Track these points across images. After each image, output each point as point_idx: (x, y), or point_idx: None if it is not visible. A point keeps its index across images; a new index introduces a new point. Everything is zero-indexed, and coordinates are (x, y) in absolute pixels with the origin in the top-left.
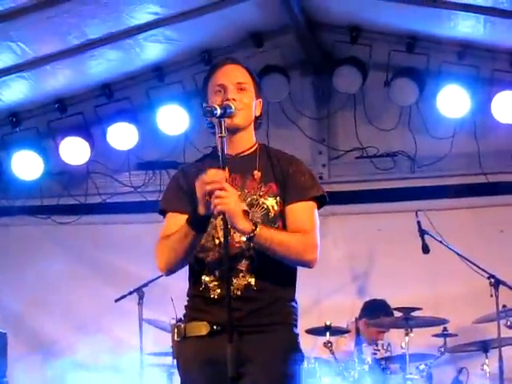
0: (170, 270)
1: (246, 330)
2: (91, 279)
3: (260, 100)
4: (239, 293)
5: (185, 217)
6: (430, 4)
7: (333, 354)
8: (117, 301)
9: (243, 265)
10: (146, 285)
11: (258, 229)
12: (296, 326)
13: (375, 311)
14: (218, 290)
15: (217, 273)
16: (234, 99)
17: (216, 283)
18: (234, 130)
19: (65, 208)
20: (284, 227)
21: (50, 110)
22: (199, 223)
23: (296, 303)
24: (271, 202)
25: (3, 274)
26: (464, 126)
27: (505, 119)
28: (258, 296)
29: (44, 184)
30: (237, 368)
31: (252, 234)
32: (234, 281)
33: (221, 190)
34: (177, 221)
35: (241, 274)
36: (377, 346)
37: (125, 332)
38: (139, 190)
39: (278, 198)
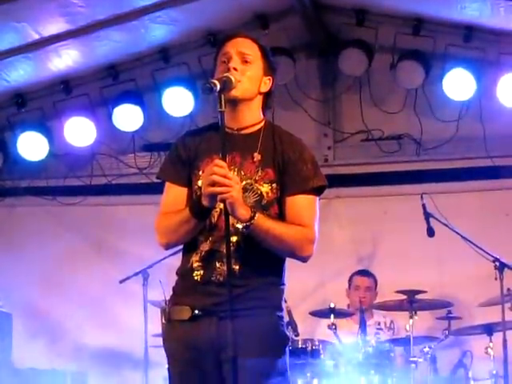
0: (170, 246)
1: (225, 315)
2: (96, 260)
3: (269, 78)
4: (221, 279)
5: (182, 189)
6: None
7: (337, 336)
8: (121, 282)
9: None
10: (150, 266)
11: (255, 218)
12: (280, 309)
13: (351, 276)
14: (201, 272)
15: (202, 253)
16: (235, 68)
17: (200, 264)
18: (233, 102)
19: (70, 189)
20: (277, 214)
21: (56, 91)
22: (202, 213)
23: (283, 285)
24: (266, 189)
25: (8, 255)
26: (470, 109)
27: (510, 102)
28: (241, 283)
29: (49, 165)
30: (218, 354)
31: (249, 223)
32: (218, 265)
33: (224, 177)
34: (175, 194)
35: (224, 259)
36: (379, 325)
37: (129, 313)
38: (144, 171)
39: (273, 185)
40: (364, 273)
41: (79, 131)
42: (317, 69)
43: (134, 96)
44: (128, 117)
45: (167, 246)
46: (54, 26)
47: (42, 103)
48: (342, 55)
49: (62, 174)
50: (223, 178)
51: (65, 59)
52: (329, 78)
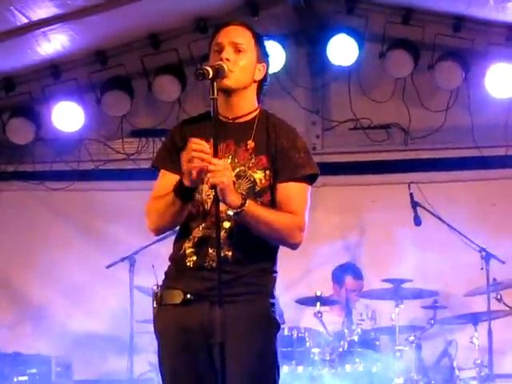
0: (159, 232)
1: (217, 300)
2: (83, 245)
3: (263, 64)
4: (214, 264)
5: (175, 177)
6: None
7: (323, 324)
8: (108, 267)
9: (221, 236)
10: (137, 252)
11: (246, 205)
12: (272, 296)
13: (343, 273)
14: (194, 258)
15: (195, 240)
16: (227, 59)
17: (192, 250)
18: (227, 92)
19: (57, 174)
20: (270, 201)
21: (44, 75)
22: (185, 193)
23: (275, 273)
24: (259, 176)
25: None
26: (458, 99)
27: (498, 93)
28: (233, 269)
29: (37, 149)
30: (208, 338)
31: (239, 210)
32: (210, 251)
33: (201, 152)
34: (168, 180)
35: None
36: (361, 316)
37: (115, 298)
38: (132, 157)
39: (267, 172)
40: (357, 275)
41: (67, 116)
42: (306, 57)
43: (122, 81)
44: (116, 102)
45: (157, 232)
46: (43, 10)
47: (30, 88)
48: (332, 43)
49: (49, 158)
50: (200, 152)
51: (54, 44)
52: (318, 66)
